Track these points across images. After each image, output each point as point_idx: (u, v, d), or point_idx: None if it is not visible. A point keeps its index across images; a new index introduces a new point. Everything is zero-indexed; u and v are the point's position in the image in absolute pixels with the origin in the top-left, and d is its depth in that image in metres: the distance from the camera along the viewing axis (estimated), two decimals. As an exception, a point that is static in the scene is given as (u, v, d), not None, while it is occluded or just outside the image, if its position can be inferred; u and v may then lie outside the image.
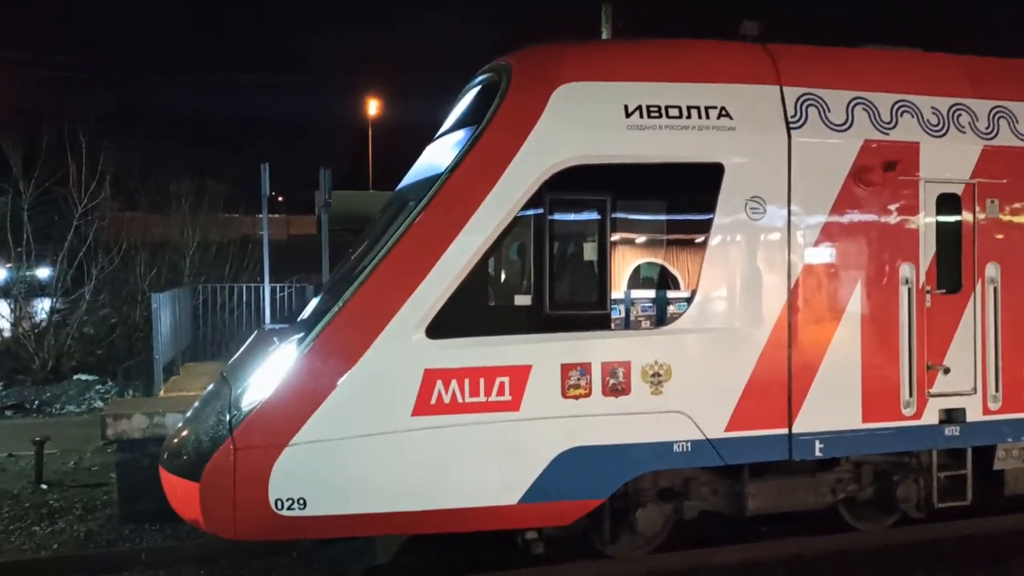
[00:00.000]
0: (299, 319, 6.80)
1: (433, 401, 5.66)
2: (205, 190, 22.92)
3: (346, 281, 6.11)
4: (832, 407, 6.44)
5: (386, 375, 5.68)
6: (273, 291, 14.87)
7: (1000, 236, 6.88)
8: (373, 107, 44.67)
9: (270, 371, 5.74)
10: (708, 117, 6.28)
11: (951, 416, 6.70)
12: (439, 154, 6.64)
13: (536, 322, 6.02)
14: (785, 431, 6.32)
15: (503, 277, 6.61)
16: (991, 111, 6.87)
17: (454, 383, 5.68)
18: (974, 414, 6.75)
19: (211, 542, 6.89)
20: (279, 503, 5.47)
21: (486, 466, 5.83)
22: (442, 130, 7.14)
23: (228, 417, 5.59)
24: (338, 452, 5.57)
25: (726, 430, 6.19)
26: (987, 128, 6.84)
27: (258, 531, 5.71)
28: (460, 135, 6.44)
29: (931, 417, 6.64)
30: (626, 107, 6.14)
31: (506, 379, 5.77)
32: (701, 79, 6.43)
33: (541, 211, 6.03)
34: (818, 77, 6.62)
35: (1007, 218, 6.90)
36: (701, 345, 6.25)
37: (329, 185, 13.06)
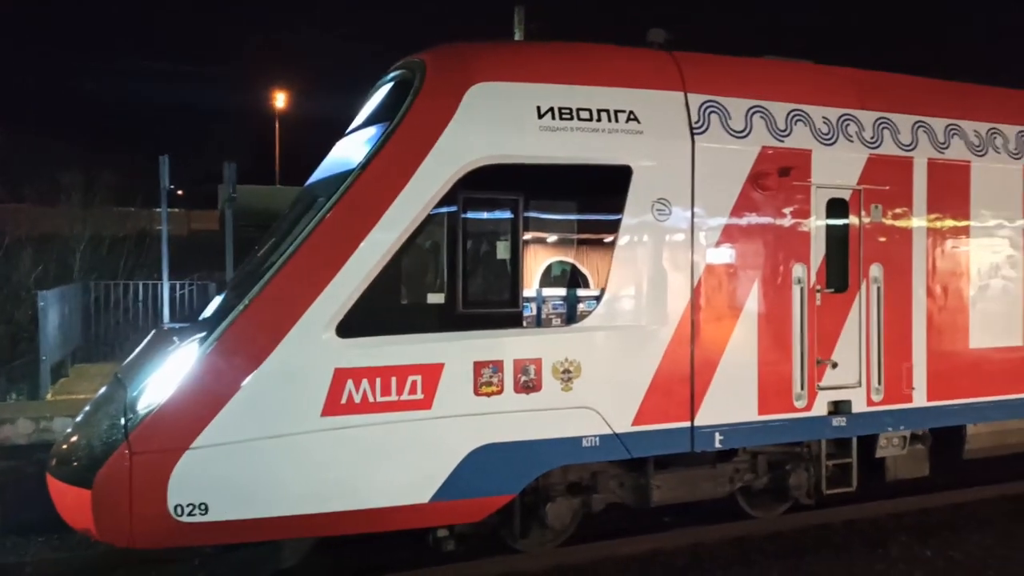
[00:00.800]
0: (201, 318, 6.54)
1: (343, 401, 5.55)
2: (98, 182, 21.66)
3: (252, 278, 5.92)
4: (731, 400, 6.72)
5: (294, 375, 5.53)
6: (172, 288, 14.24)
7: (883, 239, 7.35)
8: (281, 100, 43.37)
9: (169, 372, 5.49)
10: (617, 121, 6.42)
11: (838, 408, 7.11)
12: (350, 150, 6.53)
13: (449, 320, 6.01)
14: (688, 424, 6.55)
15: (416, 275, 6.55)
16: (876, 122, 7.34)
17: (365, 382, 5.59)
18: (859, 406, 7.19)
19: (105, 552, 6.54)
20: (179, 509, 5.24)
21: (398, 465, 5.77)
22: (353, 125, 7.02)
23: (123, 421, 5.31)
24: (243, 455, 5.38)
25: (633, 424, 6.36)
26: (872, 138, 7.30)
27: (156, 539, 5.45)
28: (372, 131, 6.34)
29: (820, 409, 7.03)
30: (539, 108, 6.20)
31: (418, 377, 5.73)
32: (611, 83, 6.57)
33: (454, 209, 6.02)
34: (720, 85, 6.89)
35: (889, 222, 7.37)
36: (610, 342, 6.39)
37: (234, 179, 12.62)
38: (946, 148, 7.56)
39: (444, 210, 5.99)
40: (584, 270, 6.81)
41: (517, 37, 8.43)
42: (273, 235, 6.71)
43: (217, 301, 6.61)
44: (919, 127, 7.48)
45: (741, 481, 7.23)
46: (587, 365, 6.20)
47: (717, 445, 6.69)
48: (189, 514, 5.27)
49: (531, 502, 6.49)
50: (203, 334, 5.61)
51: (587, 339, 6.30)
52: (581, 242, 6.85)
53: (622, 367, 6.39)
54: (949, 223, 7.59)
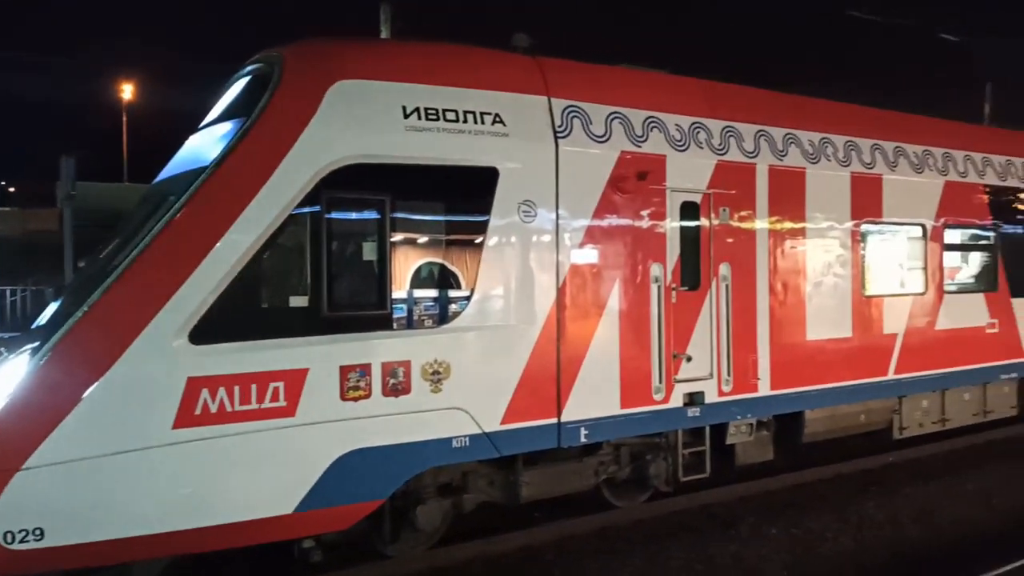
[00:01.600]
0: (35, 326, 5.96)
1: (198, 411, 5.23)
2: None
3: (94, 282, 5.45)
4: (595, 396, 6.94)
5: (142, 385, 5.16)
6: (2, 295, 12.93)
7: (731, 240, 7.84)
8: (128, 91, 40.33)
9: (-4, 386, 4.96)
10: (483, 123, 6.46)
11: (693, 399, 7.51)
12: (204, 146, 6.17)
13: (313, 324, 5.80)
14: (555, 420, 6.70)
15: (278, 278, 6.28)
16: (723, 130, 7.82)
17: (222, 391, 5.29)
18: (711, 396, 7.63)
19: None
20: (8, 536, 4.76)
21: (260, 477, 5.52)
22: (207, 120, 6.64)
23: (-59, 442, 4.74)
24: (84, 474, 4.95)
25: (502, 423, 6.42)
26: (720, 145, 7.77)
27: (-18, 570, 4.91)
28: (227, 127, 6.03)
29: (677, 400, 7.40)
30: (404, 108, 6.13)
31: (280, 384, 5.50)
32: (477, 86, 6.60)
33: (318, 209, 5.82)
34: (582, 91, 7.09)
35: (736, 224, 7.87)
36: (479, 342, 6.42)
37: (72, 175, 11.62)
38: (785, 156, 8.17)
39: (307, 210, 5.78)
40: (453, 271, 6.79)
41: (383, 35, 8.28)
42: (118, 236, 6.22)
43: (53, 308, 6.05)
44: (761, 136, 8.04)
45: (606, 473, 7.49)
46: (457, 366, 6.20)
47: (583, 440, 6.88)
48: (21, 541, 4.79)
49: (401, 506, 6.40)
50: (36, 344, 5.11)
51: (457, 340, 6.29)
52: (450, 243, 6.84)
53: (491, 367, 6.44)
54: (787, 225, 8.21)
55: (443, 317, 6.47)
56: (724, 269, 7.77)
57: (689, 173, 7.53)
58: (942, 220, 9.50)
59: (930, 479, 9.25)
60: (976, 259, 10.17)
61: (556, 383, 6.72)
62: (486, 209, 6.45)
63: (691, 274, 7.58)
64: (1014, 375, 10.50)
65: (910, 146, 9.25)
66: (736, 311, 7.82)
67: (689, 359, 7.49)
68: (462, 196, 6.61)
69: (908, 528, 7.94)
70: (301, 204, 5.71)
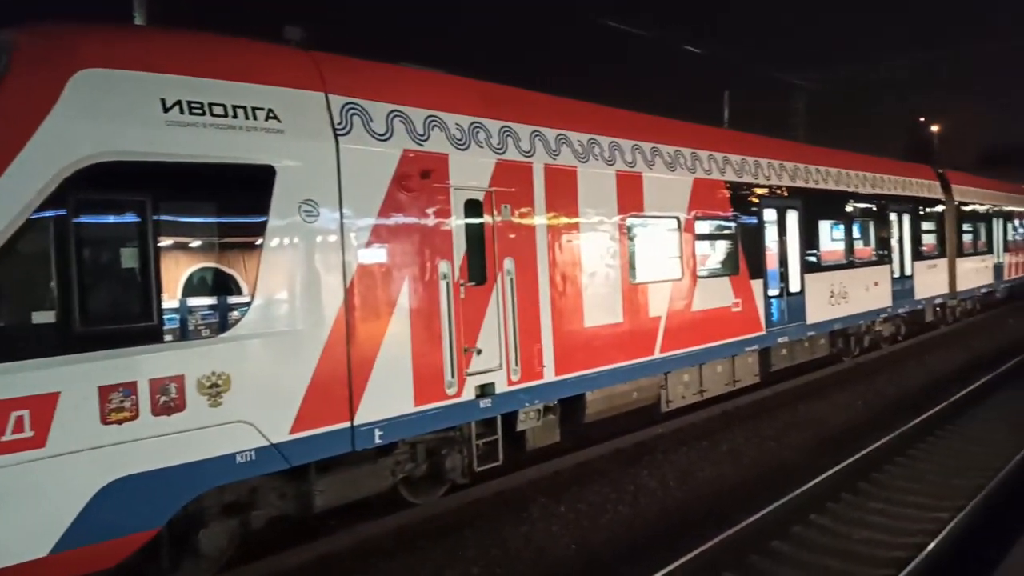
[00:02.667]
0: None
1: (-82, 451, 4.42)
2: None
3: None
4: (389, 395, 6.88)
5: None
6: None
7: (513, 236, 8.14)
8: None
9: None
10: (256, 118, 6.11)
11: (484, 391, 7.72)
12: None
13: (64, 342, 5.12)
14: (348, 424, 6.54)
15: (16, 292, 5.44)
16: (501, 130, 8.09)
17: (-51, 425, 4.52)
18: (501, 386, 7.89)
19: None
20: None
21: (5, 518, 4.79)
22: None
23: None
24: None
25: (291, 432, 6.14)
26: (499, 145, 8.03)
27: None
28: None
29: (469, 393, 7.57)
30: (164, 101, 5.60)
31: (25, 412, 4.80)
32: (247, 79, 6.21)
33: (63, 213, 5.14)
34: (361, 88, 6.96)
35: (517, 221, 8.19)
36: (262, 350, 6.08)
37: None
38: (558, 155, 8.65)
39: (50, 214, 5.08)
40: (230, 276, 6.34)
41: (138, 22, 7.52)
42: None
43: None
44: (536, 136, 8.44)
45: (403, 472, 7.46)
46: (238, 376, 5.82)
47: (377, 441, 6.79)
48: None
49: (181, 531, 5.89)
50: None
51: (236, 349, 5.90)
52: (225, 246, 6.38)
53: (277, 375, 6.13)
54: (563, 221, 8.70)
55: (220, 326, 6.03)
56: (508, 264, 8.05)
57: (471, 172, 7.70)
58: (693, 213, 10.61)
59: (692, 445, 10.33)
60: (722, 247, 11.49)
61: (348, 386, 6.56)
62: (263, 209, 6.11)
63: (477, 269, 7.77)
64: (755, 347, 12.04)
65: (664, 147, 10.22)
66: (521, 303, 8.14)
67: (479, 352, 7.68)
68: (236, 196, 6.20)
69: (674, 490, 8.81)
70: (42, 207, 5.01)
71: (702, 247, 10.92)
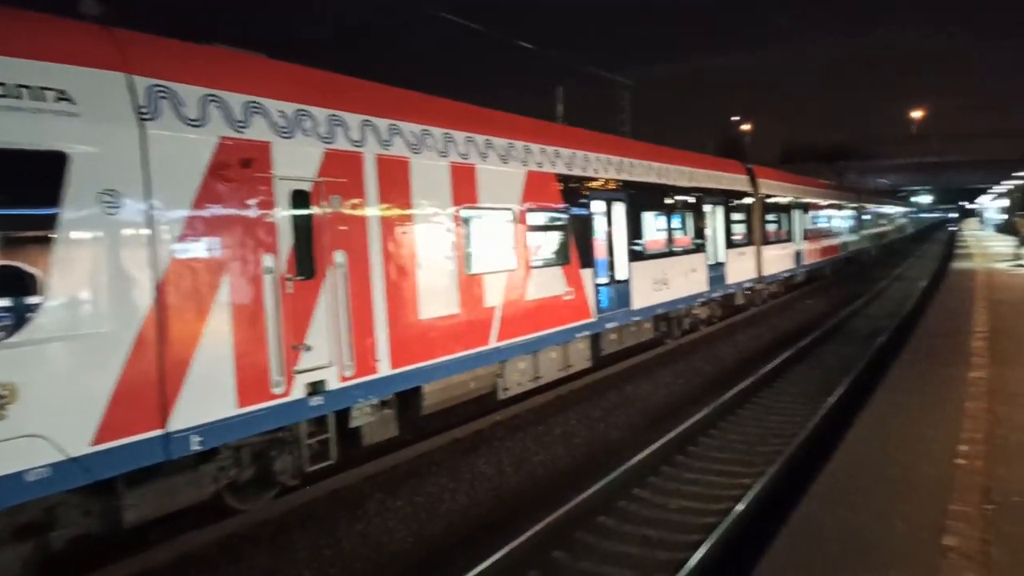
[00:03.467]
0: None
1: None
2: None
3: None
4: (208, 398, 6.45)
5: None
6: None
7: (344, 228, 7.89)
8: None
9: None
10: (44, 100, 5.47)
11: (315, 388, 7.45)
12: None
13: None
14: (161, 431, 6.06)
15: None
16: (329, 118, 7.80)
17: None
18: (333, 383, 7.65)
19: None
20: None
21: None
22: None
23: None
24: None
25: (94, 444, 5.59)
26: (327, 133, 7.74)
27: None
28: None
29: (299, 392, 7.26)
30: (-76, 75, 4.86)
31: None
32: (33, 56, 5.53)
33: None
34: (170, 70, 6.43)
35: (348, 212, 7.95)
36: (54, 356, 5.48)
37: None
38: (390, 146, 8.49)
39: None
40: (16, 275, 5.63)
41: None
42: None
43: None
44: (367, 126, 8.22)
45: (227, 478, 7.04)
46: (25, 386, 5.20)
47: (195, 448, 6.35)
48: None
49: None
50: None
51: (22, 356, 5.27)
52: (10, 241, 5.64)
53: (75, 382, 5.55)
54: (397, 212, 8.56)
55: (3, 331, 5.36)
56: (339, 256, 7.81)
57: (297, 161, 7.37)
58: (526, 205, 10.84)
59: (527, 430, 10.60)
60: (554, 238, 11.82)
61: (160, 390, 6.07)
62: (54, 200, 5.49)
63: (306, 263, 7.46)
64: (586, 333, 12.53)
65: (498, 139, 10.34)
66: (353, 297, 7.93)
67: (309, 349, 7.39)
68: (20, 185, 5.49)
69: (509, 476, 9.01)
70: None
71: (535, 238, 11.18)
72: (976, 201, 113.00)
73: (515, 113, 11.79)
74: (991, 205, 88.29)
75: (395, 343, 8.45)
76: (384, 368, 8.31)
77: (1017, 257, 30.83)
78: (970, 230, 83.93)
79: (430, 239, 9.08)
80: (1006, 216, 64.23)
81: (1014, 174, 52.65)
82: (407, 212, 8.73)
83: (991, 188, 76.66)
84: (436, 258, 9.16)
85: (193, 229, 6.42)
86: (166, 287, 6.17)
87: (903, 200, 79.28)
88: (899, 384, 9.12)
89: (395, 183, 8.55)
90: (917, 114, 57.20)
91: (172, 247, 6.25)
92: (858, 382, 12.53)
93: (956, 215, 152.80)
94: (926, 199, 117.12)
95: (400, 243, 8.63)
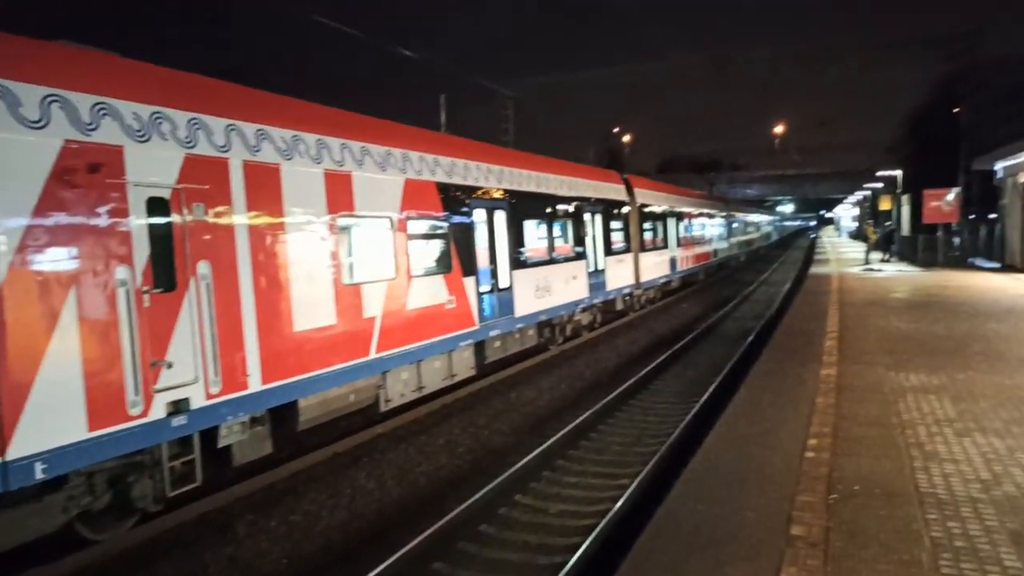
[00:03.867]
0: None
1: None
2: None
3: None
4: (54, 422, 5.95)
5: None
6: None
7: (208, 237, 7.51)
8: None
9: None
10: None
11: (178, 407, 7.02)
12: None
13: None
14: (-3, 461, 5.53)
15: None
16: (189, 122, 7.40)
17: None
18: (198, 401, 7.24)
19: None
20: None
21: None
22: None
23: None
24: None
25: (-87, 480, 5.02)
26: (187, 138, 7.34)
27: None
28: None
29: (159, 412, 6.82)
30: None
31: None
32: None
33: None
34: (5, 68, 5.90)
35: (213, 220, 7.57)
36: None
37: None
38: (258, 151, 8.16)
39: None
40: None
41: None
42: None
43: None
44: (232, 130, 7.87)
45: (78, 507, 6.51)
46: None
47: (40, 476, 5.83)
48: None
49: None
50: None
51: None
52: None
53: None
54: (267, 220, 8.24)
55: None
56: (203, 267, 7.42)
57: (154, 167, 6.94)
58: (405, 213, 10.72)
59: (411, 441, 10.46)
60: (435, 246, 11.77)
61: (-4, 416, 5.53)
62: None
63: (165, 275, 7.03)
64: (470, 341, 12.54)
65: (374, 146, 10.17)
66: (220, 310, 7.55)
67: (170, 366, 6.96)
68: None
69: (392, 488, 8.84)
70: None
71: (416, 247, 11.08)
72: (833, 210, 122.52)
73: (400, 122, 11.68)
74: (845, 214, 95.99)
75: (267, 357, 8.11)
76: (255, 383, 7.96)
77: (867, 262, 33.61)
78: (828, 237, 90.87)
79: (304, 248, 8.80)
80: (858, 224, 69.98)
81: (865, 185, 57.45)
82: (278, 220, 8.42)
83: (846, 198, 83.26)
84: (311, 268, 8.88)
85: (34, 239, 5.91)
86: (3, 303, 5.64)
87: (769, 209, 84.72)
88: (759, 383, 9.67)
89: (265, 190, 8.23)
90: (779, 129, 61.43)
91: (10, 259, 5.73)
92: (725, 382, 13.21)
93: (816, 223, 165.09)
94: (789, 208, 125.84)
95: (271, 253, 8.30)
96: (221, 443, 7.75)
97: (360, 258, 9.86)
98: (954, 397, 8.39)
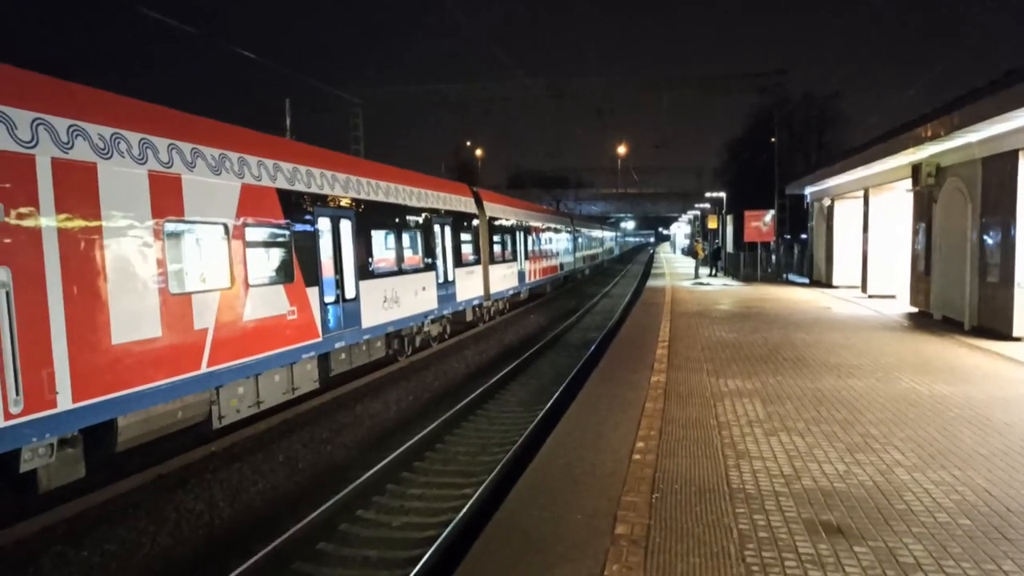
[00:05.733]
0: None
1: None
2: None
3: None
4: None
5: None
6: None
7: (9, 240, 6.75)
8: None
9: None
10: None
11: (-33, 430, 6.23)
12: None
13: None
14: None
15: None
16: None
17: None
18: (-6, 422, 6.46)
19: None
20: None
21: None
22: None
23: None
24: None
25: None
26: (-15, 131, 6.56)
27: None
28: None
29: (-58, 437, 6.01)
30: None
31: None
32: None
33: None
34: None
35: (15, 222, 6.81)
36: None
37: None
38: (71, 148, 7.45)
39: None
40: None
41: None
42: None
43: None
44: (39, 124, 7.13)
45: None
46: None
47: None
48: None
49: None
50: None
51: None
52: None
53: None
54: (81, 224, 7.52)
55: None
56: (3, 274, 6.64)
57: None
58: (242, 219, 10.18)
59: (246, 459, 9.91)
60: (275, 255, 11.26)
61: None
62: None
63: (-46, 282, 6.23)
64: (313, 353, 12.10)
65: (208, 148, 9.59)
66: (22, 322, 6.79)
67: (-42, 384, 6.16)
68: None
69: (223, 510, 8.32)
70: None
71: (254, 255, 10.55)
72: (670, 228, 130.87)
73: (239, 126, 11.09)
74: (679, 231, 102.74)
75: (79, 372, 7.39)
76: (64, 401, 7.22)
77: (697, 276, 36.12)
78: (664, 253, 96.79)
79: (125, 255, 8.11)
80: (689, 241, 75.13)
81: (696, 204, 61.85)
82: (95, 224, 7.71)
83: (679, 216, 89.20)
84: (133, 276, 8.20)
85: None
86: None
87: (612, 225, 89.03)
88: (595, 390, 10.06)
89: (79, 191, 7.51)
90: (621, 150, 64.76)
91: None
92: (568, 389, 13.65)
93: (654, 239, 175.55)
94: (631, 225, 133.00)
95: (86, 259, 7.58)
96: (24, 468, 6.95)
97: (191, 266, 9.25)
98: (764, 399, 9.16)
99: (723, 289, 28.75)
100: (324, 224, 12.67)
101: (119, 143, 8.08)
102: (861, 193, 24.07)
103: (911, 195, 18.90)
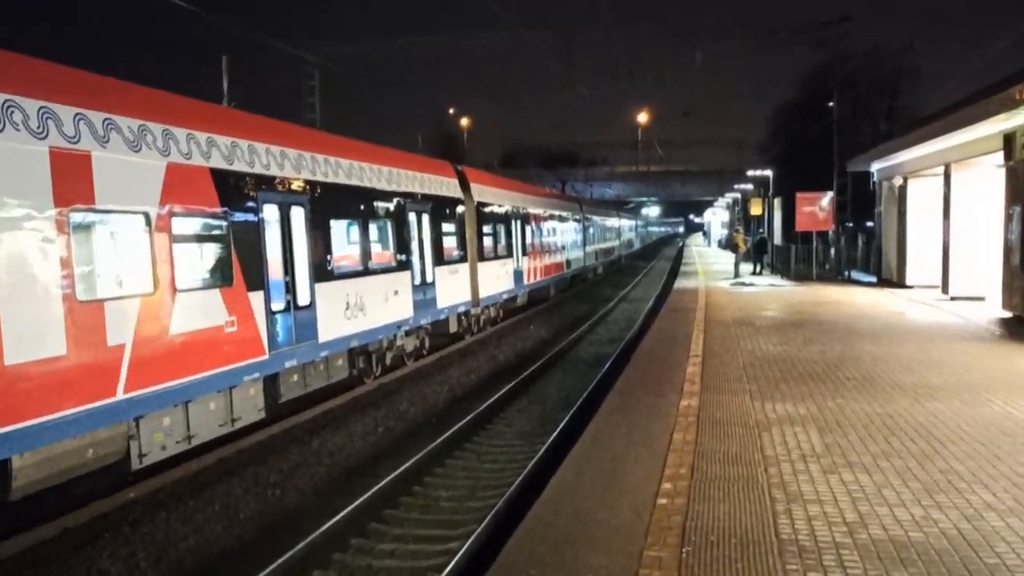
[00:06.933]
0: None
1: None
2: None
3: None
4: None
5: None
6: None
7: None
8: None
9: None
10: None
11: None
12: None
13: None
14: None
15: None
16: None
17: None
18: None
19: None
20: None
21: None
22: None
23: None
24: None
25: None
26: None
27: None
28: None
29: None
30: None
31: None
32: None
33: None
34: None
35: None
36: None
37: None
38: None
39: None
40: None
41: None
42: None
43: None
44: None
45: None
46: None
47: None
48: None
49: None
50: None
51: None
52: None
53: None
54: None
55: None
56: None
57: None
58: (168, 207, 10.15)
59: (174, 508, 9.89)
60: (210, 252, 11.25)
61: None
62: None
63: None
64: (257, 375, 12.07)
65: (124, 119, 9.55)
66: None
67: None
68: None
69: (146, 572, 8.29)
70: None
71: (182, 252, 10.52)
72: (703, 215, 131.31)
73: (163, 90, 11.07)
74: (715, 219, 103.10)
75: (-38, 401, 7.35)
76: (-57, 438, 7.18)
77: (737, 275, 36.21)
78: (696, 245, 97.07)
79: (20, 253, 8.07)
80: (727, 231, 75.39)
81: (736, 186, 62.08)
82: (-15, 215, 7.68)
83: (715, 201, 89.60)
84: (26, 279, 8.14)
85: None
86: None
87: (631, 212, 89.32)
88: (611, 418, 10.07)
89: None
90: (642, 118, 64.93)
91: None
92: (577, 417, 13.65)
93: (683, 229, 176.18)
94: (654, 211, 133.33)
95: (-31, 259, 7.55)
96: None
97: (104, 267, 9.23)
98: (821, 428, 9.17)
99: (770, 291, 28.85)
100: (271, 213, 12.66)
101: (12, 112, 8.04)
102: (941, 170, 24.16)
103: (1003, 171, 18.97)
